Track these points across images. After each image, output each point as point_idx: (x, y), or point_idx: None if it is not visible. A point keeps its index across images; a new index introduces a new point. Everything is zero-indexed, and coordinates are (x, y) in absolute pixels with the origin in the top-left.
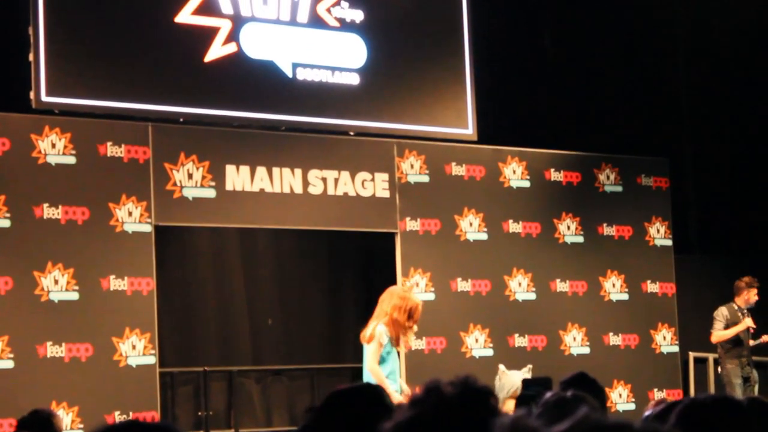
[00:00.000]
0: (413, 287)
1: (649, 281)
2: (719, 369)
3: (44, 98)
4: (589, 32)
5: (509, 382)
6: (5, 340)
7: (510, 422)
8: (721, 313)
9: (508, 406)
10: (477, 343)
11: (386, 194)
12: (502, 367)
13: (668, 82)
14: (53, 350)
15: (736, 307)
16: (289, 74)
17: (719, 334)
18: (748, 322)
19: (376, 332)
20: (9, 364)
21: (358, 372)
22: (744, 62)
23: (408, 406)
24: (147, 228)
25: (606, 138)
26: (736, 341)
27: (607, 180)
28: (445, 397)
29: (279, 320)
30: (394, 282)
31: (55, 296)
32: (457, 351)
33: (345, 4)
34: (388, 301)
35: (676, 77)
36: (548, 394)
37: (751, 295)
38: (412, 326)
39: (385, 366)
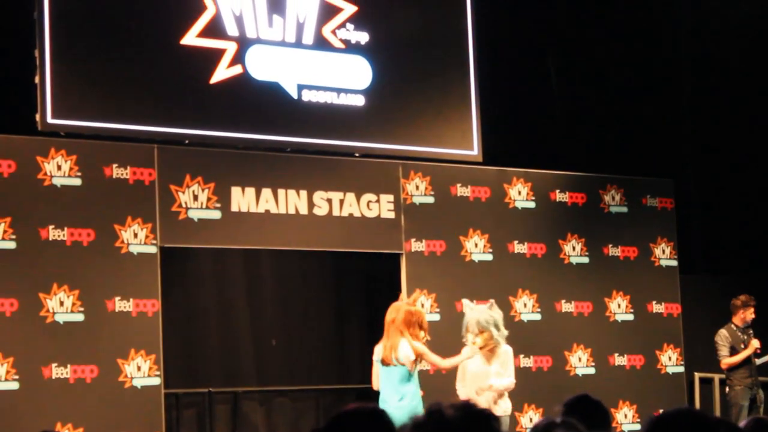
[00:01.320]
0: (417, 297)
1: (654, 302)
2: (726, 389)
3: (50, 120)
4: (594, 53)
5: (471, 316)
6: (10, 361)
7: None
8: (723, 336)
9: (476, 341)
10: None
11: (391, 215)
12: (465, 301)
13: (673, 103)
14: (58, 372)
15: (734, 327)
16: (295, 96)
17: (728, 360)
18: (755, 344)
19: (414, 350)
20: (14, 385)
21: (363, 393)
22: (749, 84)
23: (410, 427)
24: (152, 249)
25: (611, 159)
26: (744, 362)
27: (613, 201)
28: (446, 419)
29: (283, 341)
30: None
31: (61, 318)
32: None
33: (350, 26)
34: (397, 318)
35: (680, 98)
36: (537, 420)
37: (747, 314)
38: (425, 336)
39: (415, 381)
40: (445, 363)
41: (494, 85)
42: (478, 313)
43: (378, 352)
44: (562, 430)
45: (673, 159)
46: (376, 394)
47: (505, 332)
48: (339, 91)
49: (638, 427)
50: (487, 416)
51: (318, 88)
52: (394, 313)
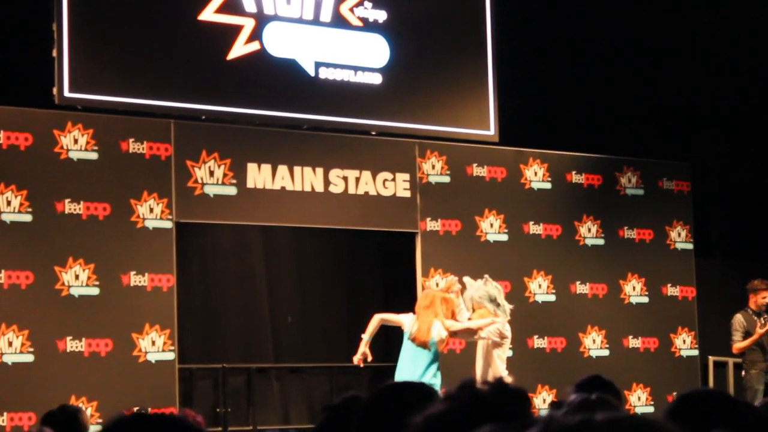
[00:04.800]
0: (451, 284)
1: (669, 285)
2: (742, 373)
3: (67, 94)
4: (613, 34)
5: (467, 294)
6: (25, 334)
7: None
8: (738, 321)
9: (477, 314)
10: None
11: (407, 194)
12: (466, 278)
13: (692, 85)
14: (73, 345)
15: (750, 312)
16: (312, 73)
17: (739, 345)
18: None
19: (446, 328)
20: (29, 358)
21: (378, 371)
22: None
23: (441, 399)
24: (168, 224)
25: (628, 141)
26: (759, 346)
27: (629, 183)
28: (479, 394)
29: (299, 318)
30: (413, 282)
31: (76, 291)
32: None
33: (368, 4)
34: (432, 305)
35: (699, 80)
36: (572, 397)
37: (758, 298)
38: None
39: (438, 362)
40: (473, 323)
41: (512, 65)
42: (474, 289)
43: (407, 325)
44: (600, 407)
45: (692, 142)
46: (392, 371)
47: (508, 306)
48: (356, 69)
49: (651, 409)
50: (521, 394)
51: (335, 66)
52: (428, 300)
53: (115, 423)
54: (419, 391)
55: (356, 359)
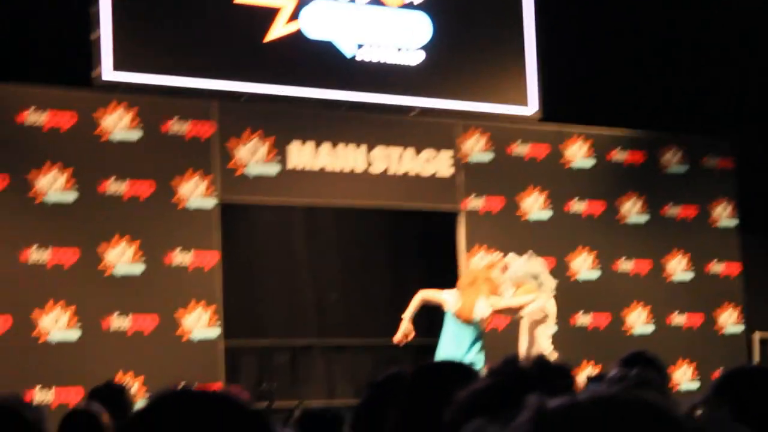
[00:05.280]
0: (496, 263)
1: (713, 261)
2: None
3: (110, 75)
4: (657, 6)
5: (509, 272)
6: (72, 310)
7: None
8: None
9: (521, 291)
10: None
11: (449, 172)
12: (510, 255)
13: (737, 60)
14: (118, 322)
15: None
16: (353, 53)
17: None
18: None
19: (491, 306)
20: (76, 334)
21: (422, 348)
22: None
23: (486, 374)
24: (211, 203)
25: (672, 117)
26: None
27: (672, 160)
28: (522, 369)
29: (342, 296)
30: (454, 261)
31: (121, 269)
32: None
33: None
34: (476, 282)
35: (745, 55)
36: (612, 372)
37: None
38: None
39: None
40: (515, 301)
41: (554, 41)
42: (517, 266)
43: (451, 303)
44: (638, 382)
45: (737, 118)
46: (434, 349)
47: (552, 282)
48: (397, 48)
49: (697, 385)
50: (564, 370)
51: (377, 45)
52: (471, 278)
53: (161, 397)
54: (461, 369)
55: (397, 338)
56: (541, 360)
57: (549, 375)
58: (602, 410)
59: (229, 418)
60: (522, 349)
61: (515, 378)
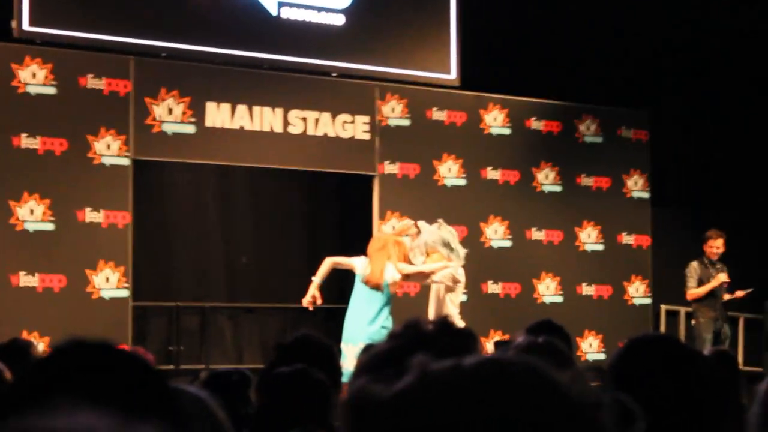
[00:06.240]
0: (404, 229)
1: (624, 233)
2: (693, 322)
3: (26, 28)
4: None
5: (421, 239)
6: None
7: (353, 392)
8: (692, 268)
9: (431, 259)
10: None
11: (366, 137)
12: (421, 223)
13: (654, 32)
14: (26, 280)
15: (706, 261)
16: (274, 12)
17: (693, 291)
18: (722, 277)
19: (399, 271)
20: None
21: (331, 313)
22: (727, 13)
23: (387, 338)
24: (125, 161)
25: (588, 88)
26: (710, 296)
27: (588, 131)
28: (423, 332)
29: (254, 259)
30: (370, 224)
31: (31, 226)
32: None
33: None
34: (385, 248)
35: (661, 28)
36: (519, 339)
37: (713, 248)
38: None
39: (390, 304)
40: (426, 267)
41: (475, 8)
42: (428, 234)
43: (360, 268)
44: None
45: (652, 90)
46: (344, 313)
47: (462, 250)
48: (319, 9)
49: (603, 356)
50: (467, 335)
51: (298, 6)
52: (380, 243)
53: (61, 347)
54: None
55: (305, 302)
56: (442, 322)
57: (450, 337)
58: (486, 372)
59: (126, 371)
60: (431, 316)
61: (415, 340)
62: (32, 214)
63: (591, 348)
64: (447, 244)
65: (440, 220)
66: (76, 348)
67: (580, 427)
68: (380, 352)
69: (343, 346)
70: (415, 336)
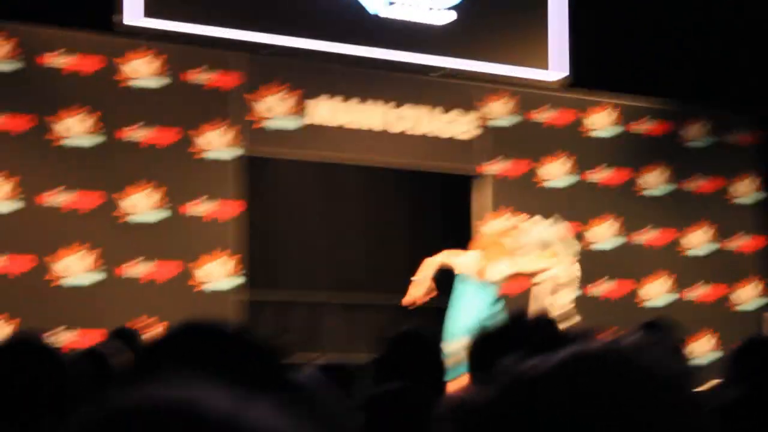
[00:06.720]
0: (516, 223)
1: (736, 235)
2: None
3: (138, 21)
4: None
5: (534, 235)
6: (98, 252)
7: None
8: None
9: (542, 257)
10: None
11: (471, 135)
12: (532, 220)
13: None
14: (138, 269)
15: None
16: (382, 11)
17: None
18: None
19: (510, 266)
20: (101, 276)
21: (431, 311)
22: None
23: (489, 332)
24: (234, 155)
25: (698, 89)
26: None
27: (697, 133)
28: (525, 322)
29: (363, 253)
30: (472, 224)
31: (140, 218)
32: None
33: None
34: (496, 242)
35: None
36: (629, 337)
37: None
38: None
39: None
40: (535, 265)
41: (585, 8)
42: (537, 232)
43: (470, 264)
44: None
45: (764, 93)
46: (442, 312)
47: (576, 245)
48: (427, 7)
49: (720, 354)
50: (551, 323)
51: (406, 4)
52: (487, 241)
53: (180, 328)
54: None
55: (407, 300)
56: (540, 315)
57: (541, 327)
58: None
59: (242, 351)
60: (532, 313)
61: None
62: (142, 205)
63: (707, 346)
64: (547, 245)
65: (556, 215)
66: (193, 329)
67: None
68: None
69: (448, 342)
70: (517, 326)
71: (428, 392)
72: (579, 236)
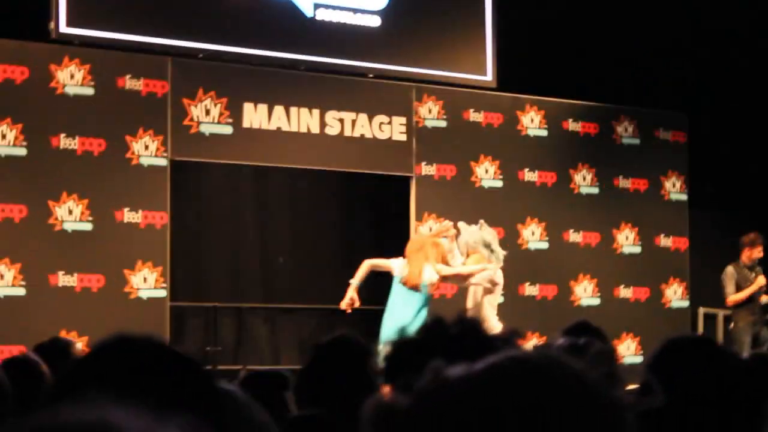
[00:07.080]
0: (442, 231)
1: (662, 235)
2: (731, 326)
3: (64, 29)
4: None
5: (461, 239)
6: (18, 267)
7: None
8: (729, 273)
9: (471, 260)
10: None
11: (403, 138)
12: (460, 224)
13: (691, 34)
14: (65, 280)
15: (742, 265)
16: (310, 14)
17: (734, 297)
18: (761, 281)
19: (437, 272)
20: (21, 291)
21: (369, 314)
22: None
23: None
24: (163, 162)
25: (625, 90)
26: (748, 299)
27: (625, 132)
28: (446, 329)
29: (291, 259)
30: (407, 226)
31: (69, 226)
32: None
33: None
34: (423, 249)
35: (698, 29)
36: (560, 341)
37: (754, 253)
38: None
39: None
40: (465, 269)
41: (511, 9)
42: (468, 234)
43: (398, 269)
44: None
45: (690, 92)
46: (379, 315)
47: (501, 252)
48: (355, 10)
49: (640, 359)
50: (475, 327)
51: (334, 7)
52: (418, 244)
53: (105, 343)
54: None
55: (344, 304)
56: (466, 322)
57: (469, 334)
58: (502, 369)
59: (171, 366)
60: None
61: (438, 340)
62: (71, 214)
63: (629, 351)
64: (488, 246)
65: (482, 221)
66: (120, 344)
67: (603, 419)
68: (403, 353)
69: (381, 347)
70: (438, 333)
71: (348, 417)
72: (511, 237)
